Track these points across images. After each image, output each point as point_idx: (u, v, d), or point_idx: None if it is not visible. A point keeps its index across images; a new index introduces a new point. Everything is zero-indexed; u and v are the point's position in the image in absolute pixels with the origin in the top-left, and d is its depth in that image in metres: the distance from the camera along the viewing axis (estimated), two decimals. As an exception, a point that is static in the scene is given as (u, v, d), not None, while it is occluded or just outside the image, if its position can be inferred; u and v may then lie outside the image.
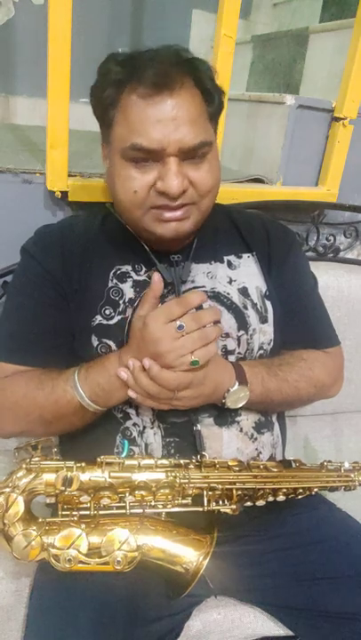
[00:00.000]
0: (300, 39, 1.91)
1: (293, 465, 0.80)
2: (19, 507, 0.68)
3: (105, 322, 0.81)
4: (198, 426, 0.79)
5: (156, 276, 0.75)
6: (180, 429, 0.79)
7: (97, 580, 0.70)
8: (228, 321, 0.84)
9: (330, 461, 0.82)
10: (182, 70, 0.72)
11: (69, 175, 1.08)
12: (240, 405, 0.78)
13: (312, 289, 0.97)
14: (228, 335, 0.83)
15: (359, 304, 1.30)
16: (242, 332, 0.84)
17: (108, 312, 0.81)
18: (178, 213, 0.75)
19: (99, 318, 0.81)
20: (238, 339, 0.84)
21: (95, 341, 0.80)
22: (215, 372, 0.75)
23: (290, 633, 0.82)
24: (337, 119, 1.32)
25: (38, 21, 1.22)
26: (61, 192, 1.07)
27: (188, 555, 0.70)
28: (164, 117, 0.70)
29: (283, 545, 0.83)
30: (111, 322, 0.81)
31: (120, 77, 0.73)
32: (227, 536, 0.78)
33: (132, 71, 0.72)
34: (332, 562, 0.80)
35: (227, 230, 0.92)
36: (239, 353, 0.84)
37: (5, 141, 1.43)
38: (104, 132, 0.80)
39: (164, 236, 0.77)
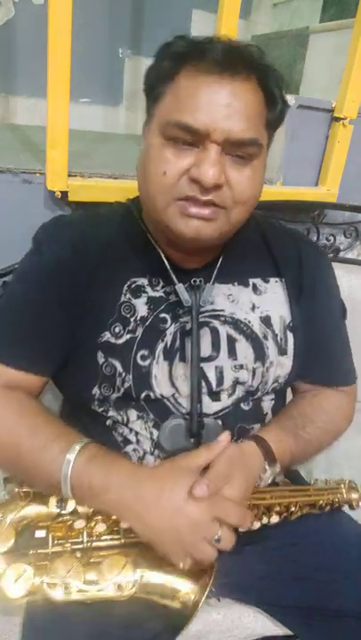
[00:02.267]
0: (300, 39, 1.91)
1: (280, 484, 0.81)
2: (8, 538, 0.65)
3: (113, 340, 0.74)
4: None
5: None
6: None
7: (91, 606, 0.66)
8: (245, 351, 0.78)
9: (316, 480, 0.84)
10: (251, 65, 0.65)
11: (69, 175, 1.08)
12: (271, 476, 0.75)
13: (339, 321, 0.90)
14: (241, 367, 0.78)
15: (359, 304, 1.30)
16: (258, 364, 0.78)
17: (117, 330, 0.75)
18: (205, 211, 0.67)
19: (107, 335, 0.75)
20: (254, 371, 0.78)
21: (101, 359, 0.74)
22: (244, 474, 0.70)
23: (289, 632, 0.82)
24: (337, 119, 1.32)
25: (38, 21, 1.22)
26: (61, 192, 1.07)
27: (185, 588, 0.66)
28: (217, 101, 0.63)
29: (281, 545, 0.83)
30: (120, 341, 0.75)
31: (182, 50, 0.66)
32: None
33: (197, 48, 0.65)
34: (331, 561, 0.80)
35: (257, 247, 0.84)
36: (251, 386, 0.79)
37: (5, 141, 1.43)
38: (149, 107, 0.71)
39: (184, 235, 0.68)
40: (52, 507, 0.67)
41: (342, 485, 0.82)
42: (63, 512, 0.67)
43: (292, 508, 0.77)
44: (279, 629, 0.82)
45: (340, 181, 1.38)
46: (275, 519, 0.76)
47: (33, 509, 0.68)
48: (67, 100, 1.01)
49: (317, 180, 1.41)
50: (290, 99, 1.27)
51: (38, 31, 1.04)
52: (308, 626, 0.79)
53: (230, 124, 0.63)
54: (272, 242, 0.84)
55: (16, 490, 0.68)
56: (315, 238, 1.41)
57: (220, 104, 0.63)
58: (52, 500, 0.67)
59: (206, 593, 0.66)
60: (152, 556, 0.66)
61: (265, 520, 0.75)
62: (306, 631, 0.80)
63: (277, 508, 0.76)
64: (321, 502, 0.79)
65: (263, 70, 0.67)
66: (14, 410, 0.72)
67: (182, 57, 0.66)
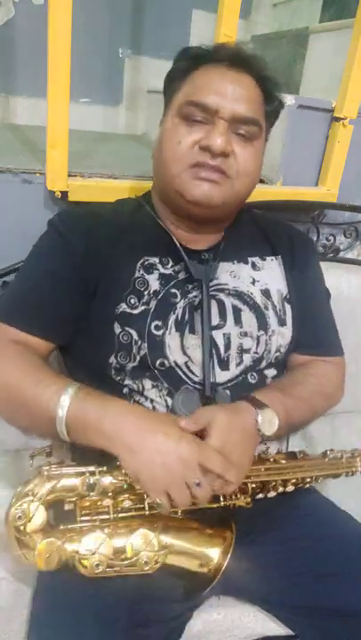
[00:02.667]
0: (300, 39, 1.91)
1: (299, 456, 0.83)
2: (41, 516, 0.67)
3: (129, 310, 0.81)
4: None
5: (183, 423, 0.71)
6: None
7: (99, 583, 0.69)
8: (250, 320, 0.86)
9: (332, 450, 0.86)
10: (254, 73, 0.81)
11: (69, 175, 1.08)
12: (276, 428, 0.77)
13: (326, 299, 1.00)
14: (246, 334, 0.85)
15: (359, 304, 1.30)
16: (261, 332, 0.87)
17: (133, 301, 0.81)
18: (213, 175, 0.77)
19: (123, 306, 0.81)
20: (258, 338, 0.86)
21: (118, 329, 0.80)
22: (234, 422, 0.73)
23: (290, 632, 0.82)
24: (337, 119, 1.32)
25: (38, 21, 1.22)
26: (61, 192, 1.07)
27: (210, 553, 0.71)
28: (225, 87, 0.77)
29: (281, 544, 0.83)
30: (135, 311, 0.81)
31: (197, 52, 0.82)
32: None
33: (210, 51, 0.82)
34: (331, 559, 0.80)
35: (252, 232, 0.95)
36: (256, 352, 0.86)
37: (5, 141, 1.43)
38: (166, 102, 0.85)
39: (195, 197, 0.78)
40: (82, 491, 0.68)
41: (358, 456, 0.86)
42: (92, 493, 0.68)
43: (307, 479, 0.83)
44: (279, 629, 0.82)
45: (341, 181, 1.38)
46: (290, 488, 0.81)
47: (61, 484, 0.68)
48: (67, 100, 1.01)
49: (317, 180, 1.41)
50: (290, 98, 1.27)
51: (38, 31, 1.04)
52: (309, 625, 0.79)
53: (236, 105, 0.77)
54: (266, 228, 0.96)
55: (44, 470, 0.69)
56: (315, 238, 1.41)
57: (228, 89, 0.77)
58: (83, 485, 0.68)
59: (229, 557, 0.70)
60: (176, 526, 0.72)
61: (281, 489, 0.80)
62: (306, 631, 0.80)
63: (293, 480, 0.81)
64: (340, 472, 0.85)
65: (263, 78, 0.82)
66: (17, 363, 0.76)
67: (198, 58, 0.81)
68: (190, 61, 0.82)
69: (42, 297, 0.82)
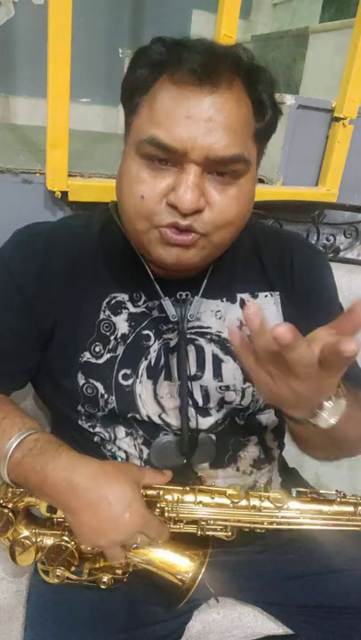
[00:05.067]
0: (300, 39, 1.91)
1: (294, 494, 0.70)
2: (10, 521, 0.67)
3: (93, 360, 0.71)
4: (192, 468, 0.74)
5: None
6: (175, 474, 0.72)
7: (93, 588, 0.69)
8: (232, 372, 0.73)
9: (343, 495, 0.69)
10: (235, 70, 0.58)
11: (69, 175, 1.08)
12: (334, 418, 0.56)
13: None
14: (228, 388, 0.73)
15: (359, 304, 1.30)
16: (247, 385, 0.74)
17: (97, 349, 0.71)
18: (184, 238, 0.61)
19: (87, 355, 0.71)
20: (243, 391, 0.74)
21: (81, 380, 0.71)
22: None
23: (290, 632, 0.81)
24: (337, 119, 1.32)
25: (38, 21, 1.22)
26: (61, 192, 1.07)
27: (183, 565, 0.69)
28: (196, 115, 0.56)
29: (280, 544, 0.83)
30: (100, 360, 0.71)
31: (160, 58, 0.59)
32: (221, 543, 0.74)
33: (176, 54, 0.58)
34: (330, 557, 0.80)
35: (247, 260, 0.77)
36: (240, 404, 0.74)
37: (5, 141, 1.43)
38: (127, 121, 0.65)
39: (164, 262, 0.64)
40: (44, 511, 0.68)
41: None
42: (54, 516, 0.68)
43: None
44: (279, 629, 0.82)
45: (341, 181, 1.38)
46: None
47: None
48: (67, 100, 1.01)
49: (317, 180, 1.41)
50: (290, 98, 1.27)
51: (38, 31, 1.04)
52: (309, 625, 0.79)
53: (211, 140, 0.57)
54: (265, 254, 0.78)
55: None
56: (315, 238, 1.41)
57: (200, 119, 0.56)
58: (43, 506, 0.68)
59: (203, 570, 0.67)
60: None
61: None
62: (306, 630, 0.80)
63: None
64: (343, 525, 0.69)
65: (250, 73, 0.60)
66: None
67: (158, 65, 0.59)
68: (148, 71, 0.60)
69: None
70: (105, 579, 0.68)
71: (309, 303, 0.78)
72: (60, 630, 0.69)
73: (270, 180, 1.35)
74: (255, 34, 2.27)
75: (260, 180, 1.36)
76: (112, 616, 0.70)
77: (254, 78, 0.61)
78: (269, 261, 0.77)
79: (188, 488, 0.68)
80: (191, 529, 0.68)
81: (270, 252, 0.78)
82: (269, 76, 0.63)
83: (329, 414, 0.55)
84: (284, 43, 2.00)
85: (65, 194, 1.07)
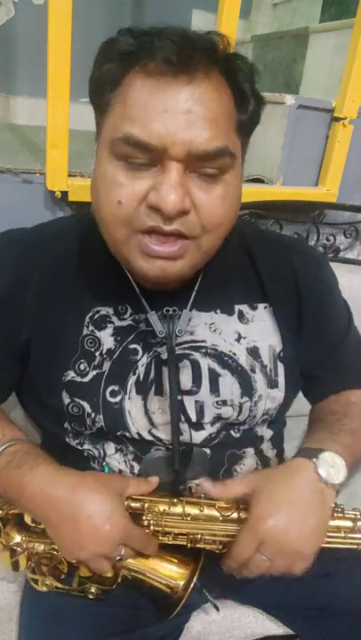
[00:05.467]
0: (300, 39, 1.91)
1: None
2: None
3: (78, 379, 0.67)
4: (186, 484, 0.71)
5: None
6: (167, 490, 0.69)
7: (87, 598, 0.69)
8: (231, 386, 0.69)
9: (341, 509, 0.66)
10: (212, 59, 0.54)
11: (69, 175, 1.08)
12: (344, 470, 0.63)
13: (348, 328, 0.81)
14: (225, 403, 0.69)
15: (359, 304, 1.30)
16: (245, 399, 0.70)
17: (82, 367, 0.67)
18: (169, 249, 0.56)
19: (71, 374, 0.67)
20: (240, 405, 0.70)
21: (67, 399, 0.67)
22: (282, 490, 0.62)
23: (290, 632, 0.81)
24: (337, 119, 1.32)
25: (38, 21, 1.22)
26: (61, 192, 1.07)
27: (174, 574, 0.68)
28: (173, 108, 0.52)
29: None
30: (85, 379, 0.67)
31: (129, 49, 0.54)
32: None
33: (146, 43, 0.53)
34: (331, 559, 0.80)
35: (242, 267, 0.72)
36: (237, 420, 0.70)
37: (5, 141, 1.43)
38: (98, 121, 0.60)
39: (147, 275, 0.59)
40: (29, 520, 0.67)
41: None
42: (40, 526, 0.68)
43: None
44: (279, 629, 0.82)
45: (341, 181, 1.38)
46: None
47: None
48: (67, 100, 1.01)
49: (317, 179, 1.41)
50: (290, 98, 1.27)
51: (38, 31, 1.04)
52: (309, 625, 0.79)
53: (191, 134, 0.52)
54: (260, 259, 0.72)
55: None
56: (315, 238, 1.41)
57: (178, 111, 0.52)
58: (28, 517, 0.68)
59: (196, 577, 0.66)
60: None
61: None
62: (307, 631, 0.80)
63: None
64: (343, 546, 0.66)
65: (228, 62, 0.56)
66: None
67: (127, 57, 0.54)
68: (118, 64, 0.55)
69: None
70: (93, 589, 0.68)
71: (319, 318, 0.76)
72: (52, 634, 0.68)
73: (270, 180, 1.35)
74: (255, 34, 2.27)
75: (261, 180, 1.36)
76: (106, 620, 0.69)
77: (233, 66, 0.56)
78: (266, 270, 0.72)
79: (175, 500, 0.65)
80: (180, 541, 0.65)
81: (267, 261, 0.73)
82: (249, 64, 0.58)
83: (332, 476, 0.62)
84: (284, 43, 2.00)
85: (65, 194, 1.07)
